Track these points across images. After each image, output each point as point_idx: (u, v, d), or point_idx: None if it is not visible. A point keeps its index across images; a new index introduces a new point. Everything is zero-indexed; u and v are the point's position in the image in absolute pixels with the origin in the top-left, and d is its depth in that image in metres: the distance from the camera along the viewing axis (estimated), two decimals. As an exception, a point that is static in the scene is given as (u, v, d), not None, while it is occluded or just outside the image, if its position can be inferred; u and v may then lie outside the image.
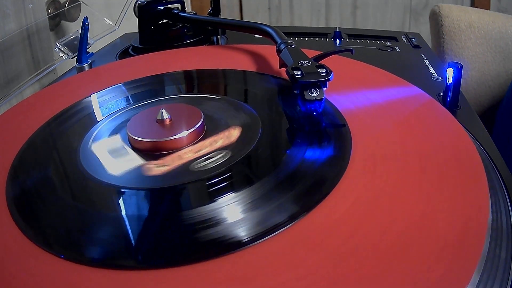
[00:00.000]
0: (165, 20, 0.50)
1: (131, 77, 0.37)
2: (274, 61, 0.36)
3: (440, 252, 0.18)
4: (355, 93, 0.31)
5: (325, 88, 0.28)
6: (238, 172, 0.24)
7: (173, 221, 0.21)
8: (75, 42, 0.49)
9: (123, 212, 0.22)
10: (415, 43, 0.51)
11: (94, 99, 0.34)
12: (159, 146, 0.26)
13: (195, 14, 0.49)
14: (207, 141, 0.26)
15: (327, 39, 0.53)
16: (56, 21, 0.57)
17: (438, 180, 0.22)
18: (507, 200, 0.23)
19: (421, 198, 0.21)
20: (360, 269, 0.17)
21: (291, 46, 0.34)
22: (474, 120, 0.32)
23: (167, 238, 0.20)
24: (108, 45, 0.55)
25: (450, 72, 0.33)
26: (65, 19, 0.57)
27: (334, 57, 0.34)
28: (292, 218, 0.20)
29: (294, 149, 0.25)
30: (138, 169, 0.25)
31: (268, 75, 0.36)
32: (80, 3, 0.57)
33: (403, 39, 0.53)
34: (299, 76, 0.28)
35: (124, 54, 0.51)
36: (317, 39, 0.53)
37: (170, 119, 0.27)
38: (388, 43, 0.51)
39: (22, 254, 0.19)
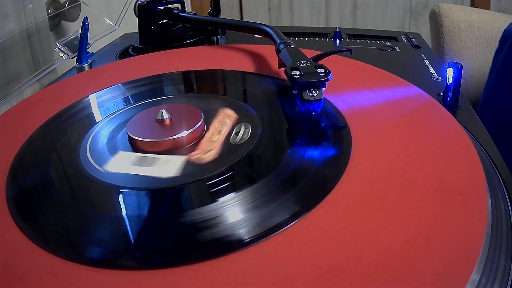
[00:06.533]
0: (165, 20, 0.50)
1: (131, 77, 0.37)
2: (274, 61, 0.36)
3: (439, 252, 0.18)
4: (355, 93, 0.31)
5: (324, 88, 0.28)
6: (238, 172, 0.24)
7: (173, 221, 0.21)
8: (75, 42, 0.49)
9: (123, 212, 0.22)
10: (415, 43, 0.50)
11: (94, 99, 0.34)
12: (159, 146, 0.26)
13: (195, 14, 0.49)
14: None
15: (327, 39, 0.53)
16: (56, 21, 0.57)
17: (437, 180, 0.22)
18: (507, 200, 0.23)
19: (420, 198, 0.21)
20: (361, 268, 0.17)
21: (290, 46, 0.34)
22: (474, 120, 0.32)
23: (168, 238, 0.20)
24: (108, 45, 0.55)
25: (450, 72, 0.33)
26: (65, 19, 0.57)
27: (334, 57, 0.34)
28: (293, 217, 0.20)
29: (294, 149, 0.25)
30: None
31: (268, 75, 0.36)
32: (80, 3, 0.57)
33: (403, 39, 0.53)
34: (298, 76, 0.28)
35: (124, 54, 0.51)
36: (317, 39, 0.53)
37: (170, 119, 0.27)
38: (388, 43, 0.51)
39: (22, 254, 0.19)
